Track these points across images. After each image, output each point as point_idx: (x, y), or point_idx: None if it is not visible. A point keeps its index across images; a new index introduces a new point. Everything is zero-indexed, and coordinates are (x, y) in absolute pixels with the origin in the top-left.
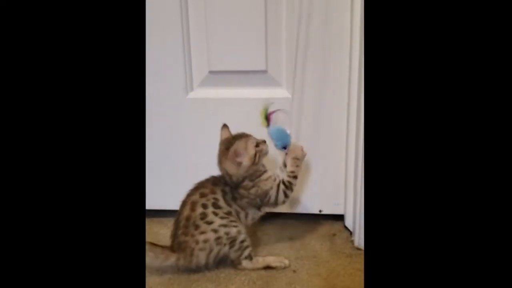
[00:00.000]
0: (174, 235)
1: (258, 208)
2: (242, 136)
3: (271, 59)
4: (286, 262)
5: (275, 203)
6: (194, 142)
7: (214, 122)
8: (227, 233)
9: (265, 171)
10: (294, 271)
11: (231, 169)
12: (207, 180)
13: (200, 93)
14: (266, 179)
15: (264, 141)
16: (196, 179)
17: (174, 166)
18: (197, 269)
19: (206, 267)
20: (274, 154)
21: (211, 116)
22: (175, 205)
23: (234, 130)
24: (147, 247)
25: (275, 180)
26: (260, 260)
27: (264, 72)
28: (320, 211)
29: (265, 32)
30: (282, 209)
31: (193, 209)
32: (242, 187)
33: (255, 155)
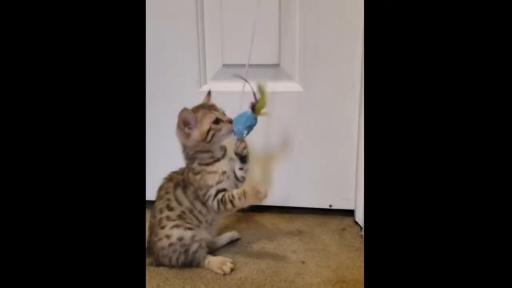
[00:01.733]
0: (148, 240)
1: (203, 203)
2: (207, 106)
3: (284, 53)
4: (227, 270)
5: (211, 207)
6: None
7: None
8: (180, 239)
9: (216, 160)
10: (303, 262)
11: (179, 137)
12: (165, 178)
13: (213, 86)
14: (212, 173)
15: (230, 121)
16: None
17: None
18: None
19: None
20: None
21: (223, 108)
22: None
23: None
24: None
25: (220, 182)
26: (206, 262)
27: (277, 66)
28: (330, 206)
29: (278, 27)
30: (293, 203)
31: (154, 215)
32: (190, 169)
33: (208, 131)
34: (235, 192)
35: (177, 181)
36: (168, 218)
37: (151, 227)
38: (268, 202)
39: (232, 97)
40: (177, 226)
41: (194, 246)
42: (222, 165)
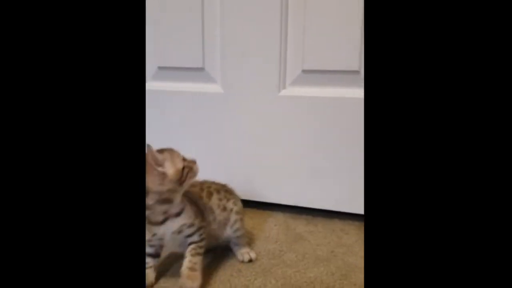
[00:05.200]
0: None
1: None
2: (167, 149)
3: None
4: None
5: None
6: (281, 138)
7: (305, 120)
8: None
9: (160, 223)
10: None
11: (153, 181)
12: None
13: (292, 91)
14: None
15: (194, 161)
16: (281, 172)
17: (264, 159)
18: None
19: None
20: None
21: (301, 114)
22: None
23: (326, 129)
24: None
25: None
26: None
27: (357, 72)
28: None
29: (360, 34)
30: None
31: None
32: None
33: (183, 169)
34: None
35: None
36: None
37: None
38: (341, 207)
39: (310, 102)
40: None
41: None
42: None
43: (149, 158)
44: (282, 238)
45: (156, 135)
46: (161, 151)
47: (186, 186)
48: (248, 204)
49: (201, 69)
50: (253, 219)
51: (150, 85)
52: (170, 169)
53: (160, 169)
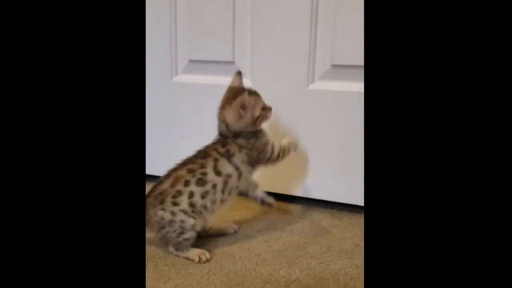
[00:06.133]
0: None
1: (252, 165)
2: (253, 92)
3: None
4: (203, 258)
5: (269, 159)
6: (308, 132)
7: (333, 114)
8: (182, 221)
9: (261, 136)
10: None
11: (231, 118)
12: (197, 155)
13: (320, 85)
14: (264, 135)
15: (270, 108)
16: (307, 166)
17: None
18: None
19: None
20: None
21: (329, 108)
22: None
23: (353, 123)
24: None
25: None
26: (186, 251)
27: None
28: None
29: None
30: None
31: (173, 184)
32: (242, 135)
33: (258, 118)
34: (283, 145)
35: (218, 154)
36: (191, 195)
37: (162, 192)
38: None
39: (339, 97)
40: (184, 212)
41: (189, 234)
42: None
43: (241, 99)
44: (307, 230)
45: (187, 128)
46: (247, 90)
47: (259, 127)
48: (274, 196)
49: (231, 62)
50: (278, 211)
51: (181, 78)
52: (248, 115)
53: (241, 111)
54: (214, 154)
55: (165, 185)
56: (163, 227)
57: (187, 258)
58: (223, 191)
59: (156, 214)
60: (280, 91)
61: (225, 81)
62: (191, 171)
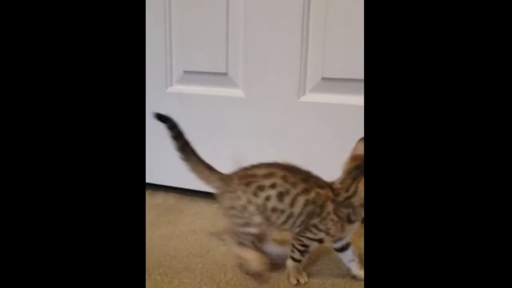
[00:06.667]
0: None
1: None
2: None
3: None
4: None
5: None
6: (300, 143)
7: (323, 126)
8: (251, 214)
9: None
10: None
11: (361, 193)
12: (301, 172)
13: (311, 97)
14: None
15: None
16: None
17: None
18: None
19: None
20: None
21: (320, 120)
22: None
23: (344, 136)
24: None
25: None
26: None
27: None
28: None
29: None
30: None
31: (266, 176)
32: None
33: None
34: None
35: (327, 198)
36: (267, 197)
37: (254, 175)
38: None
39: (330, 109)
40: (258, 207)
41: (254, 230)
42: None
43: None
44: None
45: None
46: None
47: None
48: None
49: (225, 74)
50: None
51: (176, 88)
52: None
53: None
54: (321, 192)
55: (260, 171)
56: (233, 208)
57: (240, 257)
58: (292, 223)
59: (236, 191)
60: (271, 103)
61: (218, 91)
62: (285, 179)
